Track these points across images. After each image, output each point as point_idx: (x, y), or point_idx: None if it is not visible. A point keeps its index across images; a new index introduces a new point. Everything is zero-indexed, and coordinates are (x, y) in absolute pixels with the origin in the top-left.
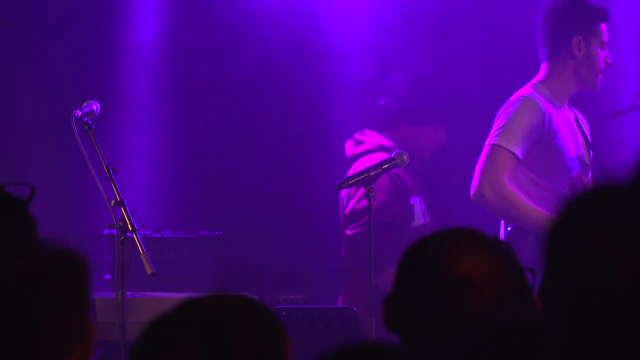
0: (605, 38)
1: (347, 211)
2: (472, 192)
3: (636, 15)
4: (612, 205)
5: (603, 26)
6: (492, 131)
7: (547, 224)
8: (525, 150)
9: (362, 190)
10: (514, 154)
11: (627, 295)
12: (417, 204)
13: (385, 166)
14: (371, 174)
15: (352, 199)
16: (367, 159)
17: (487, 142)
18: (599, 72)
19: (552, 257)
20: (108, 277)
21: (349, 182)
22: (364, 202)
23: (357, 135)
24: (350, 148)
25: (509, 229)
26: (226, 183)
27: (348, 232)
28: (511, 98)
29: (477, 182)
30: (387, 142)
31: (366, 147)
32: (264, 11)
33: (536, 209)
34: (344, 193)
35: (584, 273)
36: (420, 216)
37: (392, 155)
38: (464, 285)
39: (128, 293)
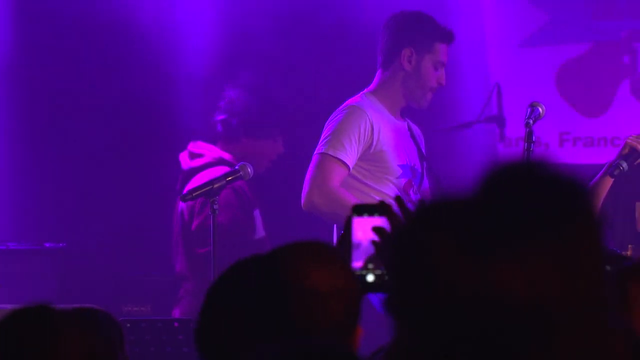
0: (442, 58)
1: (193, 227)
2: (302, 201)
3: (477, 28)
4: (452, 217)
5: (442, 46)
6: (320, 140)
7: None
8: (354, 158)
9: (208, 207)
10: (342, 161)
11: (470, 314)
12: (257, 216)
13: (229, 178)
14: (215, 186)
15: (198, 215)
16: (208, 172)
17: (315, 152)
18: (428, 89)
19: (394, 274)
20: None
21: (193, 195)
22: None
23: (193, 148)
24: (186, 161)
25: (342, 232)
26: (70, 195)
27: (199, 250)
28: (340, 107)
29: (306, 191)
30: (226, 155)
31: (205, 161)
32: (104, 16)
33: None
34: (184, 207)
35: (425, 289)
36: (260, 229)
37: (236, 167)
38: (315, 298)
39: None
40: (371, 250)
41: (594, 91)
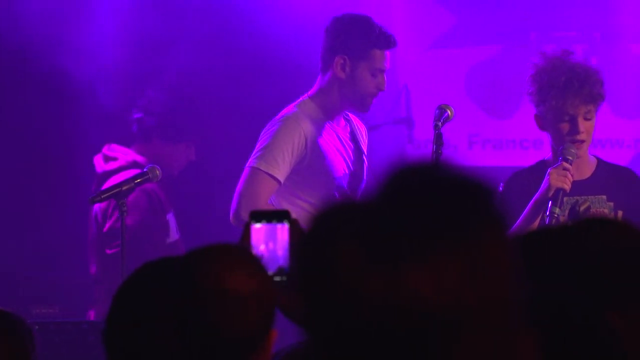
0: (380, 65)
1: (105, 229)
2: (231, 215)
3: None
4: (358, 222)
5: (380, 52)
6: (253, 152)
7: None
8: (286, 172)
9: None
10: (273, 177)
11: (380, 320)
12: (171, 219)
13: (138, 180)
14: (123, 188)
15: (110, 217)
16: (122, 176)
17: (247, 164)
18: (367, 95)
19: (299, 283)
20: None
21: (102, 197)
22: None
23: (107, 151)
24: (100, 164)
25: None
26: None
27: (108, 251)
28: (275, 117)
29: (235, 205)
30: (139, 158)
31: (119, 164)
32: (17, 23)
33: None
34: (98, 209)
35: (330, 298)
36: (174, 232)
37: (145, 169)
38: (235, 302)
39: None
40: (275, 261)
41: (502, 93)
